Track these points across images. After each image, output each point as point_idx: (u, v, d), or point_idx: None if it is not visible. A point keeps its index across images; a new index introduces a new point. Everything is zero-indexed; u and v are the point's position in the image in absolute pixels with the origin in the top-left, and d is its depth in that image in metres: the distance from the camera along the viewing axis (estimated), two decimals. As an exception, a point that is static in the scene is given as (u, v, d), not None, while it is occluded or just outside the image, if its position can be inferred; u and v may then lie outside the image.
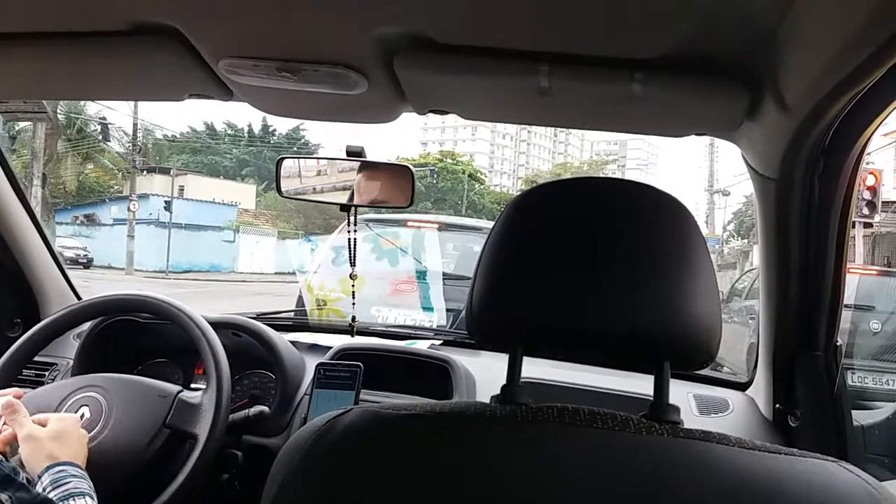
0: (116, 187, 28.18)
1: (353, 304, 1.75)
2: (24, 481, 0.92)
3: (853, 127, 0.95)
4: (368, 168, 1.59)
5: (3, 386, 1.34)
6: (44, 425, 1.13)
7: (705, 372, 1.67)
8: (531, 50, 0.94)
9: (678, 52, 0.89)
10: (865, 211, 7.71)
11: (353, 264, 1.70)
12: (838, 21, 0.72)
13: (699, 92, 0.97)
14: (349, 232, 1.67)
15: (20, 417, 1.12)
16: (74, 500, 0.99)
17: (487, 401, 0.69)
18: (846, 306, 1.21)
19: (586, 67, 0.95)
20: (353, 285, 1.72)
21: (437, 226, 4.81)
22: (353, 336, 1.75)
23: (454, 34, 0.92)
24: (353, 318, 1.76)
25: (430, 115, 1.21)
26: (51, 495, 0.99)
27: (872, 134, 0.97)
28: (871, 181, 7.66)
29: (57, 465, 1.05)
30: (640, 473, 0.60)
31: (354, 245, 1.69)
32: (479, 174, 49.73)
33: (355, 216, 1.63)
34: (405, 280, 4.22)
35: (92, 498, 1.02)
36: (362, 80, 1.03)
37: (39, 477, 1.03)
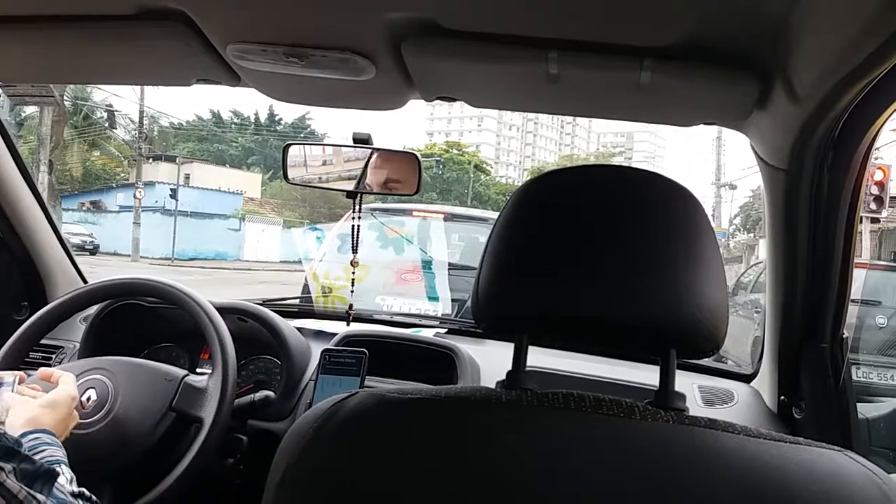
0: (122, 174, 28.25)
1: (352, 291, 1.75)
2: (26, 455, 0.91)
3: (863, 118, 0.94)
4: (375, 155, 1.59)
5: (9, 369, 1.35)
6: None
7: (710, 363, 1.67)
8: (540, 37, 0.93)
9: (688, 41, 0.89)
10: (873, 206, 7.67)
11: (355, 251, 1.70)
12: (849, 10, 0.71)
13: (709, 80, 0.96)
14: (354, 218, 1.67)
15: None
16: (53, 468, 0.96)
17: (493, 387, 0.69)
18: (852, 301, 1.20)
19: (595, 55, 0.94)
20: (353, 272, 1.72)
21: (442, 216, 4.81)
22: (348, 324, 1.75)
23: (462, 20, 0.92)
24: (351, 307, 1.76)
25: (437, 104, 1.22)
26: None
27: (882, 126, 0.97)
28: (879, 176, 7.63)
29: (33, 433, 1.04)
30: (645, 459, 0.60)
31: (358, 231, 1.69)
32: (484, 165, 49.62)
33: (360, 203, 1.63)
34: (410, 269, 4.22)
35: (66, 465, 1.01)
36: (370, 66, 1.02)
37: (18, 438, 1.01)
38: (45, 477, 0.87)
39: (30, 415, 1.07)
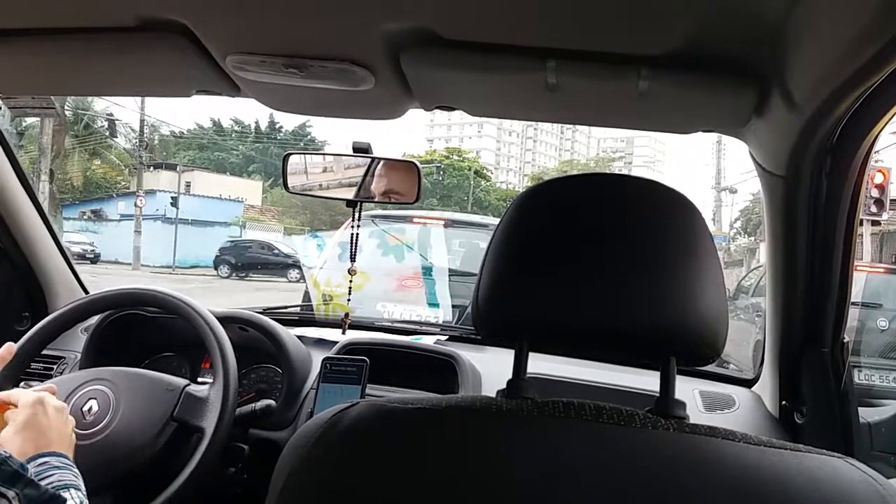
0: (123, 183, 28.28)
1: (349, 299, 1.75)
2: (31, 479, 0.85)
3: (861, 124, 0.94)
4: (375, 164, 1.59)
5: (11, 380, 1.35)
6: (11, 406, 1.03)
7: (711, 368, 1.67)
8: (538, 46, 0.94)
9: (685, 49, 0.89)
10: (873, 209, 7.66)
11: (353, 259, 1.70)
12: (846, 17, 0.72)
13: (706, 88, 0.97)
14: (353, 227, 1.67)
15: None
16: (59, 493, 0.90)
17: (493, 396, 0.70)
18: (853, 304, 1.21)
19: (593, 64, 0.95)
20: (350, 280, 1.72)
21: (443, 222, 4.81)
22: (343, 333, 1.75)
23: (461, 30, 0.92)
24: (347, 315, 1.76)
25: (437, 111, 1.21)
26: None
27: (880, 132, 0.97)
28: (879, 179, 7.63)
29: (39, 458, 0.96)
30: (645, 468, 0.60)
31: (357, 240, 1.69)
32: (485, 171, 49.67)
33: (360, 211, 1.64)
34: (411, 276, 4.22)
35: (77, 489, 0.94)
36: (369, 76, 1.03)
37: None
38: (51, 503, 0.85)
39: (15, 449, 0.96)
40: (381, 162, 1.60)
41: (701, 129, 1.16)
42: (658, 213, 0.68)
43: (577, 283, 0.66)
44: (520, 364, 0.71)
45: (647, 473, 0.59)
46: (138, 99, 20.93)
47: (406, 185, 1.58)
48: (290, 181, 1.62)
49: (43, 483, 0.92)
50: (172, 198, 24.64)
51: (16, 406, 1.04)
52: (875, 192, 7.58)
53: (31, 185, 1.73)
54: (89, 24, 0.99)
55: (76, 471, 0.99)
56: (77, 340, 1.69)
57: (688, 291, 0.65)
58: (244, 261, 20.73)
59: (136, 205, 22.78)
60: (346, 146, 1.58)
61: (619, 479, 0.59)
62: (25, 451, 0.97)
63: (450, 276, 4.15)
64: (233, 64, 1.02)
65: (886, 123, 0.95)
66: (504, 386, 0.70)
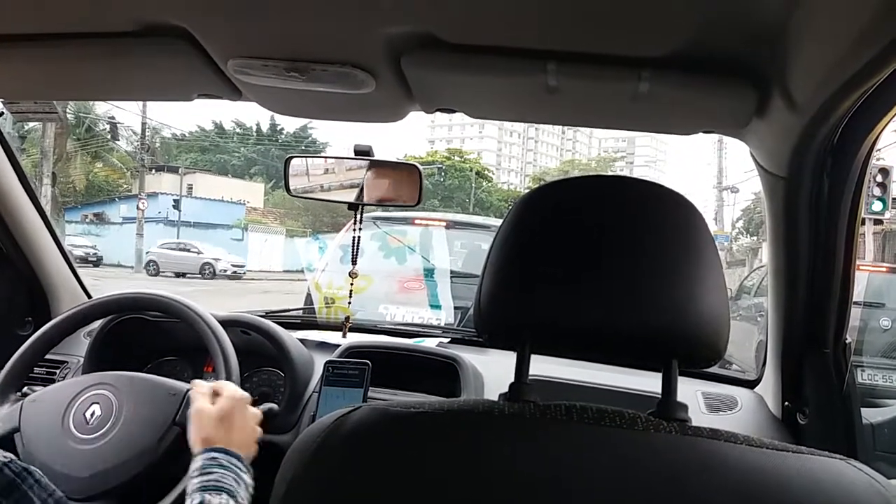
0: (125, 186, 28.31)
1: (349, 302, 1.75)
2: (36, 481, 0.84)
3: (862, 125, 0.94)
4: (376, 167, 1.59)
5: (13, 384, 1.35)
6: (218, 394, 1.14)
7: (714, 370, 1.66)
8: (538, 48, 0.94)
9: (686, 50, 0.89)
10: (876, 190, 7.61)
11: (354, 262, 1.70)
12: (847, 18, 0.72)
13: (707, 90, 0.97)
14: (354, 230, 1.67)
15: (200, 390, 1.15)
16: (209, 493, 0.95)
17: (496, 399, 0.70)
18: (856, 303, 1.20)
19: (594, 66, 0.95)
20: (351, 283, 1.72)
21: (444, 224, 4.81)
22: (344, 336, 1.75)
23: (461, 33, 0.92)
24: (348, 318, 1.75)
25: (438, 113, 1.22)
26: (194, 481, 0.97)
27: (882, 131, 0.97)
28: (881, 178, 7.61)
29: (213, 451, 1.03)
30: (647, 472, 0.60)
31: (358, 243, 1.69)
32: (486, 172, 49.68)
33: (362, 214, 1.64)
34: (413, 278, 4.22)
35: (231, 495, 0.97)
36: (370, 79, 1.03)
37: (196, 456, 1.03)
38: None
39: (204, 433, 1.07)
40: (383, 165, 1.60)
41: (701, 130, 1.16)
42: (659, 215, 0.68)
43: (579, 285, 0.66)
44: (522, 367, 0.71)
45: (649, 477, 0.59)
46: (140, 102, 20.97)
47: (407, 188, 1.58)
48: (292, 183, 1.63)
49: (202, 477, 0.97)
50: (175, 200, 24.72)
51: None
52: (877, 192, 7.57)
53: (34, 188, 1.73)
54: (91, 30, 0.99)
55: (244, 477, 1.03)
56: (80, 345, 1.68)
57: (689, 294, 0.65)
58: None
59: (138, 207, 22.81)
60: (348, 148, 1.58)
61: (622, 482, 0.59)
62: (211, 437, 1.05)
63: (452, 277, 4.15)
64: (234, 68, 1.02)
65: (887, 124, 0.95)
66: (506, 389, 0.70)
